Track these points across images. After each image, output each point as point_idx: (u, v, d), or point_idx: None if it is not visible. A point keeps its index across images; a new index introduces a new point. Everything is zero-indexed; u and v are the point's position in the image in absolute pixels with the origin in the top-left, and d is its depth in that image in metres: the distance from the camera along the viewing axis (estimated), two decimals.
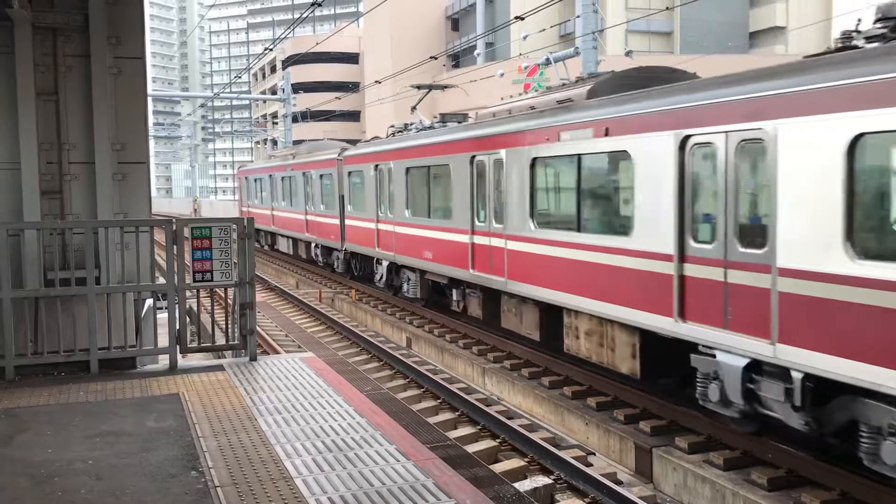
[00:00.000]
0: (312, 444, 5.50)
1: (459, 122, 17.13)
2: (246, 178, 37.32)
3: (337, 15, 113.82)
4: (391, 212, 17.81)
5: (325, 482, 4.83)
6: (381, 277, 19.27)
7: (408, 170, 16.82)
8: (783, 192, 7.23)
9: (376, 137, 20.90)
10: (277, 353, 13.53)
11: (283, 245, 30.63)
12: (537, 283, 11.60)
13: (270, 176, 31.12)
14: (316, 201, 24.37)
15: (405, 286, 17.82)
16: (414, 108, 20.05)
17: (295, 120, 51.84)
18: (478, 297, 14.21)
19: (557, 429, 10.56)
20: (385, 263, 18.81)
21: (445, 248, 14.91)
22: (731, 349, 7.89)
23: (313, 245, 25.64)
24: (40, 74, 7.81)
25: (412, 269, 17.22)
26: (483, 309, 14.11)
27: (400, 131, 19.33)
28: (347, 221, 21.24)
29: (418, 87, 20.63)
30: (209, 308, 8.56)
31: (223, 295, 9.11)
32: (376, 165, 18.68)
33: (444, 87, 22.54)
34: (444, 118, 18.14)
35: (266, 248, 34.72)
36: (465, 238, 14.02)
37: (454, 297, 15.23)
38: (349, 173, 21.03)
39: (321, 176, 23.87)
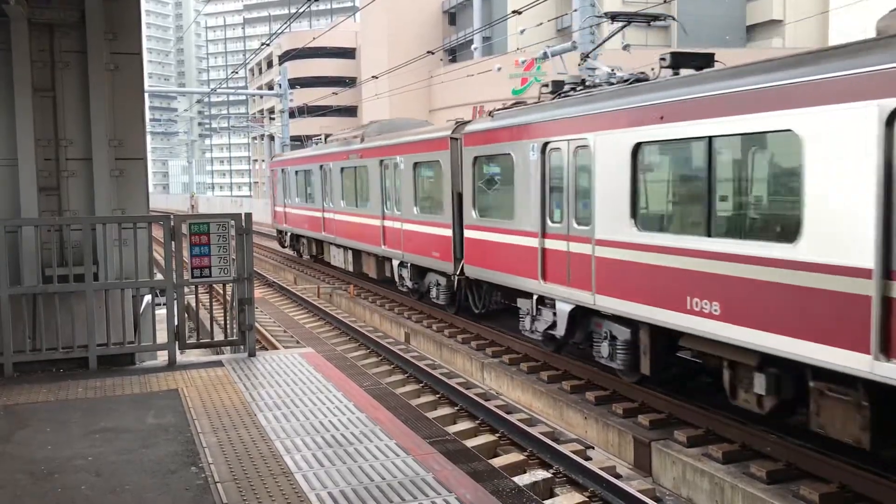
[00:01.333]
0: (312, 440, 5.51)
1: (696, 69, 9.71)
2: (282, 170, 28.76)
3: (333, 10, 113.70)
4: (579, 220, 10.44)
5: (325, 477, 4.84)
6: (551, 326, 11.41)
7: (637, 147, 9.23)
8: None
9: (520, 103, 13.57)
10: (276, 348, 13.53)
11: (339, 258, 22.67)
12: None
13: (322, 167, 23.34)
14: (404, 201, 16.98)
15: (604, 347, 10.33)
16: (586, 56, 13.99)
17: (292, 115, 51.81)
18: None
19: (556, 423, 10.58)
20: (564, 307, 10.93)
21: (770, 298, 7.39)
22: None
23: (396, 263, 17.98)
24: (37, 70, 7.80)
25: (625, 323, 9.84)
26: None
27: (574, 88, 11.88)
28: (469, 233, 13.81)
29: (612, 18, 13.50)
30: (208, 304, 8.56)
31: (221, 291, 9.11)
32: (545, 144, 11.21)
33: (652, 19, 14.02)
34: (677, 61, 9.94)
35: (308, 258, 27.37)
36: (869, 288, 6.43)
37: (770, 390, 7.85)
38: (475, 159, 13.59)
39: (416, 165, 16.41)
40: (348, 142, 21.51)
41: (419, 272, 17.06)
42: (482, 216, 13.58)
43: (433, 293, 16.36)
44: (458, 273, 14.58)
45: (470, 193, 13.88)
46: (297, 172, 26.58)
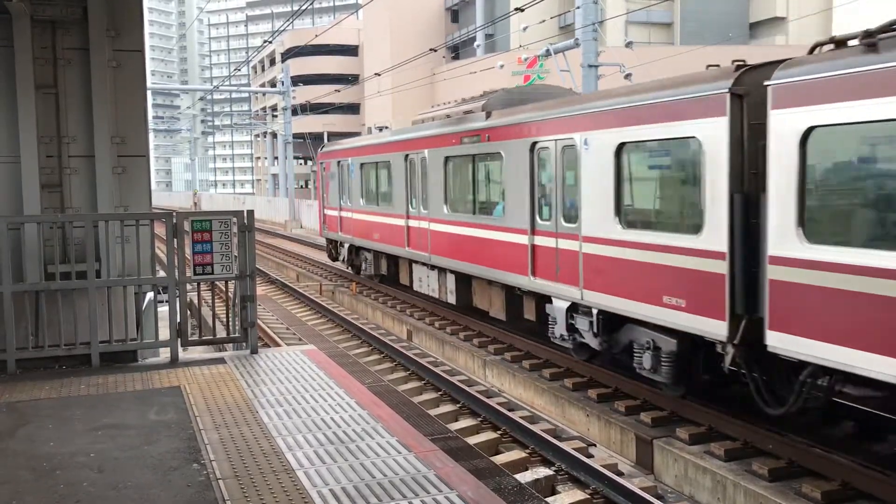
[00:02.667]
0: (314, 437, 5.51)
1: None
2: (338, 163, 21.86)
3: (336, 7, 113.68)
4: None
5: (326, 474, 4.84)
6: None
7: None
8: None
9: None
10: (278, 345, 13.55)
11: (429, 283, 16.22)
12: None
13: (407, 158, 16.64)
14: (590, 208, 10.26)
15: None
16: None
17: (294, 113, 51.85)
18: None
19: (558, 420, 10.58)
20: None
21: None
22: None
23: (561, 305, 11.06)
24: (39, 68, 7.80)
25: None
26: None
27: None
28: (789, 273, 7.34)
29: None
30: (210, 301, 8.57)
31: (224, 288, 9.11)
32: None
33: None
34: None
35: (371, 276, 20.75)
36: None
37: None
38: (808, 133, 7.16)
39: (623, 148, 9.72)
40: (460, 119, 14.55)
41: (610, 323, 10.21)
42: (830, 241, 7.05)
43: (644, 361, 9.48)
44: (737, 339, 7.95)
45: (790, 197, 7.30)
46: (362, 166, 19.88)
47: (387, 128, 20.60)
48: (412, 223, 16.64)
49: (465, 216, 14.27)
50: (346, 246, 22.17)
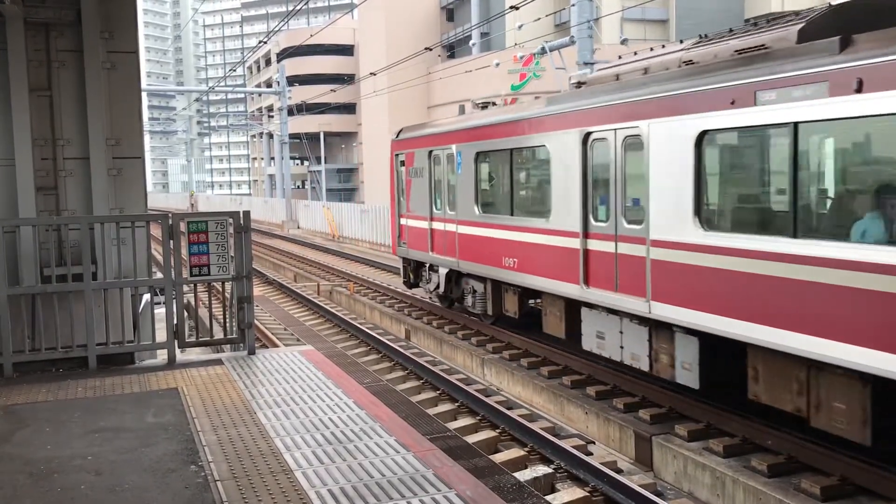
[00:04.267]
0: (312, 437, 5.50)
1: None
2: (430, 153, 15.61)
3: (331, 7, 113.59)
4: None
5: (324, 474, 4.83)
6: None
7: None
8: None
9: None
10: (276, 346, 13.53)
11: (626, 342, 9.80)
12: None
13: (589, 139, 10.26)
14: None
15: None
16: None
17: (290, 113, 51.85)
18: None
19: (557, 418, 10.58)
20: None
21: None
22: None
23: None
24: (33, 70, 7.78)
25: None
26: None
27: None
28: None
29: None
30: (207, 302, 8.55)
31: (221, 289, 9.10)
32: None
33: None
34: None
35: (480, 315, 14.54)
36: None
37: None
38: None
39: None
40: (737, 63, 7.97)
41: None
42: None
43: None
44: None
45: None
46: (480, 156, 13.66)
47: (493, 104, 15.19)
48: (595, 245, 10.34)
49: (763, 240, 7.58)
50: (442, 271, 15.52)
